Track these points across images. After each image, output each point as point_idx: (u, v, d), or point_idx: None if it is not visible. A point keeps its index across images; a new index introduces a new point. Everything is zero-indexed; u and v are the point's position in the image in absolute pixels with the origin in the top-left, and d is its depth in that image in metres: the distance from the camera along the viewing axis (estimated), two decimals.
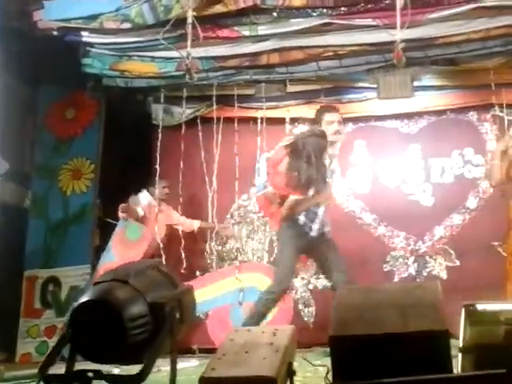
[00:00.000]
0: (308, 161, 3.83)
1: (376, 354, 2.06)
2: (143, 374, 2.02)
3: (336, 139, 4.05)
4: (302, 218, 3.97)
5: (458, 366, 2.24)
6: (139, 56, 4.48)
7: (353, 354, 2.08)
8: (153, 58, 4.48)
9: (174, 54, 4.22)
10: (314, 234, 4.00)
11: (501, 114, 5.21)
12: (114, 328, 2.04)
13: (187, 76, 3.76)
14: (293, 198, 3.94)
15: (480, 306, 2.17)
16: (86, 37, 4.21)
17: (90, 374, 2.05)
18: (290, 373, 2.20)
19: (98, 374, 2.06)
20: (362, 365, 2.06)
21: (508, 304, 2.24)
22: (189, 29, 3.68)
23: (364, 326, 2.13)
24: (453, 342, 2.09)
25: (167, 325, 2.13)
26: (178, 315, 2.20)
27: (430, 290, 2.28)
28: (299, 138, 3.97)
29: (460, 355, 2.23)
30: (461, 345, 2.21)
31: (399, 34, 3.93)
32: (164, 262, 4.30)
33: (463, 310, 2.19)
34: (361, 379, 1.97)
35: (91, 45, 4.36)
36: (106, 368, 2.31)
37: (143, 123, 5.34)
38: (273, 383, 1.99)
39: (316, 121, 4.11)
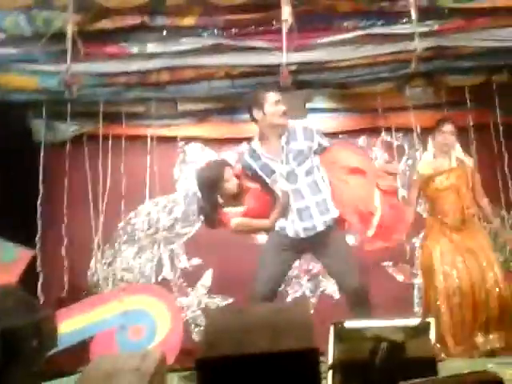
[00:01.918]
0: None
1: (245, 375, 2.02)
2: None
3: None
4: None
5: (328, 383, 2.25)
6: (18, 69, 4.24)
7: (221, 376, 2.03)
8: (33, 71, 4.24)
9: (56, 67, 4.04)
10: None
11: (389, 139, 5.40)
12: None
13: (66, 92, 3.60)
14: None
15: (348, 324, 2.19)
16: None
17: None
18: None
19: None
20: None
21: (375, 321, 2.28)
22: (68, 43, 3.55)
23: (233, 346, 2.09)
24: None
25: (22, 354, 1.98)
26: (35, 343, 2.05)
27: (301, 310, 2.27)
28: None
29: (330, 372, 2.24)
30: (330, 362, 2.21)
31: (285, 57, 4.04)
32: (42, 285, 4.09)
33: (332, 328, 2.20)
34: None
35: None
36: None
37: (23, 140, 4.96)
38: None
39: None
